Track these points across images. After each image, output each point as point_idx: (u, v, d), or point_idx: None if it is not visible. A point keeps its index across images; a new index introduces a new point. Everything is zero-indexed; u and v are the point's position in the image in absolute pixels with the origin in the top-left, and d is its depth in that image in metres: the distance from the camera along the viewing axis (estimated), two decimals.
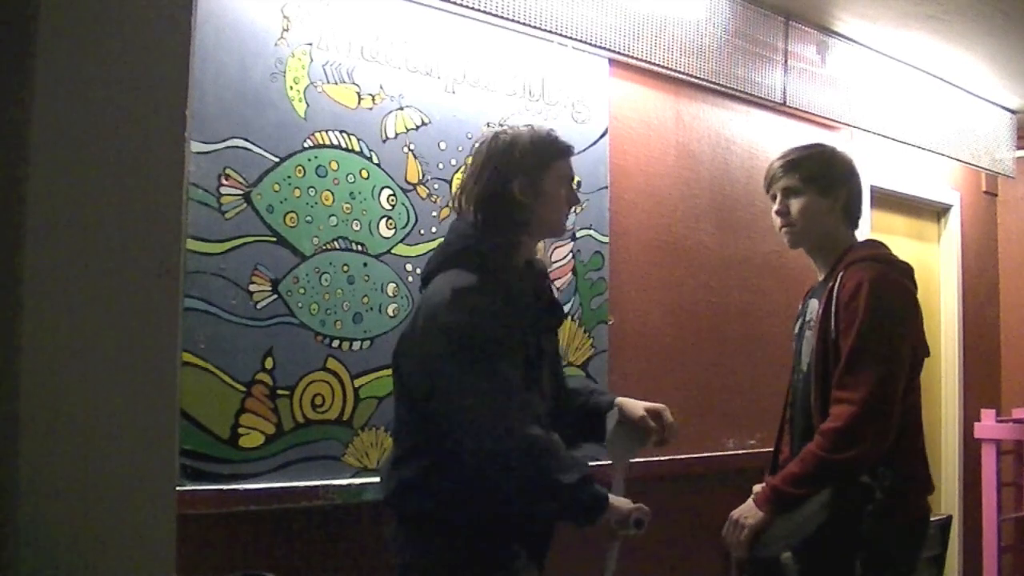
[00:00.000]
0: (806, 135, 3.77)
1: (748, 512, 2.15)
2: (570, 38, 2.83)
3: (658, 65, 3.10)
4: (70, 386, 1.00)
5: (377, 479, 2.14)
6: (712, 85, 3.30)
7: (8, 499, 0.96)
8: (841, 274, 2.20)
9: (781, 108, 3.58)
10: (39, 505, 0.97)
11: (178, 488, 1.43)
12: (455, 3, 2.56)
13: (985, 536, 4.16)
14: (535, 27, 2.73)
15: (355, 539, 2.40)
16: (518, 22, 2.68)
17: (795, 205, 2.28)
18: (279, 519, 2.27)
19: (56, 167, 1.00)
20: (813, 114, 3.68)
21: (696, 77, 3.22)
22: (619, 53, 2.97)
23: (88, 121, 1.02)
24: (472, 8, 2.59)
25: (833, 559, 2.07)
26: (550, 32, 2.77)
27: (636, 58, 3.02)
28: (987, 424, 4.36)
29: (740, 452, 3.39)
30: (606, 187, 3.02)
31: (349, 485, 2.35)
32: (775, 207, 2.32)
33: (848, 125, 3.83)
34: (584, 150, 2.92)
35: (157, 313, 1.07)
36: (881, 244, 2.38)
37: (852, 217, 2.34)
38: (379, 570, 2.43)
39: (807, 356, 2.26)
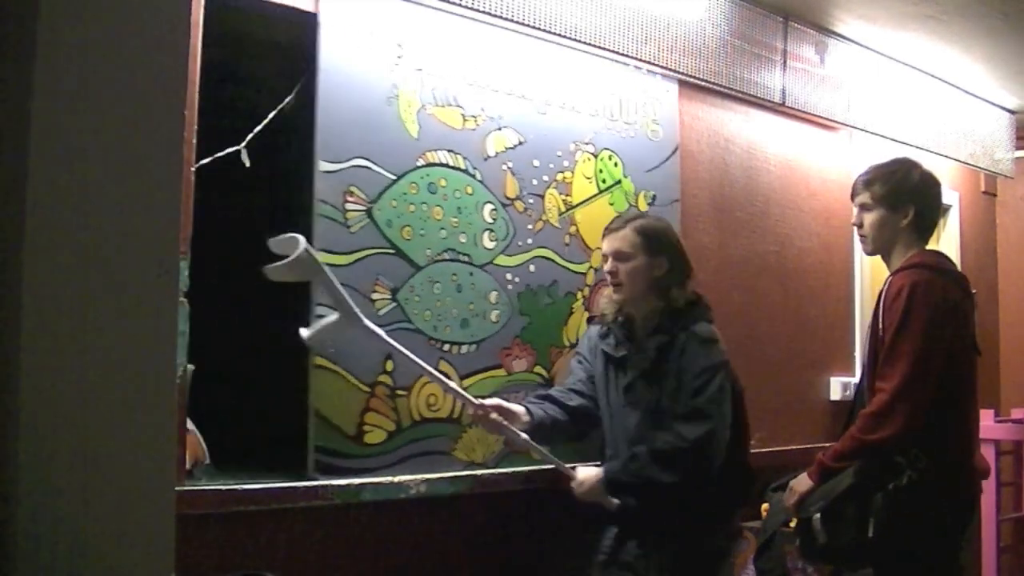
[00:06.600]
0: (805, 135, 3.78)
1: (800, 481, 2.54)
2: (569, 38, 2.83)
3: (657, 65, 3.10)
4: (70, 386, 1.00)
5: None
6: (711, 85, 3.30)
7: (8, 499, 0.96)
8: (890, 279, 2.54)
9: (780, 108, 3.58)
10: (39, 505, 0.97)
11: (178, 488, 1.43)
12: (505, 19, 2.67)
13: (984, 536, 4.16)
14: (532, 26, 2.73)
15: (355, 539, 2.41)
16: (514, 21, 2.68)
17: (867, 219, 2.63)
18: (279, 519, 2.26)
19: (56, 167, 1.00)
20: (812, 114, 3.68)
21: (695, 77, 3.22)
22: (618, 53, 2.97)
23: (88, 121, 1.02)
24: (470, 8, 2.59)
25: (852, 522, 2.39)
26: (549, 32, 2.77)
27: (635, 58, 3.02)
28: (986, 424, 4.33)
29: None
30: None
31: (348, 485, 2.36)
32: (853, 219, 2.71)
33: (847, 125, 3.83)
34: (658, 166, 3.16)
35: (157, 313, 1.07)
36: (937, 254, 2.70)
37: (921, 230, 2.62)
38: (379, 570, 2.44)
39: (864, 351, 2.68)
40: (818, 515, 2.44)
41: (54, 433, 0.98)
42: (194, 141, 2.12)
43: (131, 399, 1.04)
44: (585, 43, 2.87)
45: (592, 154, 2.96)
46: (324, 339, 2.26)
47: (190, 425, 2.20)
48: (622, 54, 2.98)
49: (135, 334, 1.05)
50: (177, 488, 1.23)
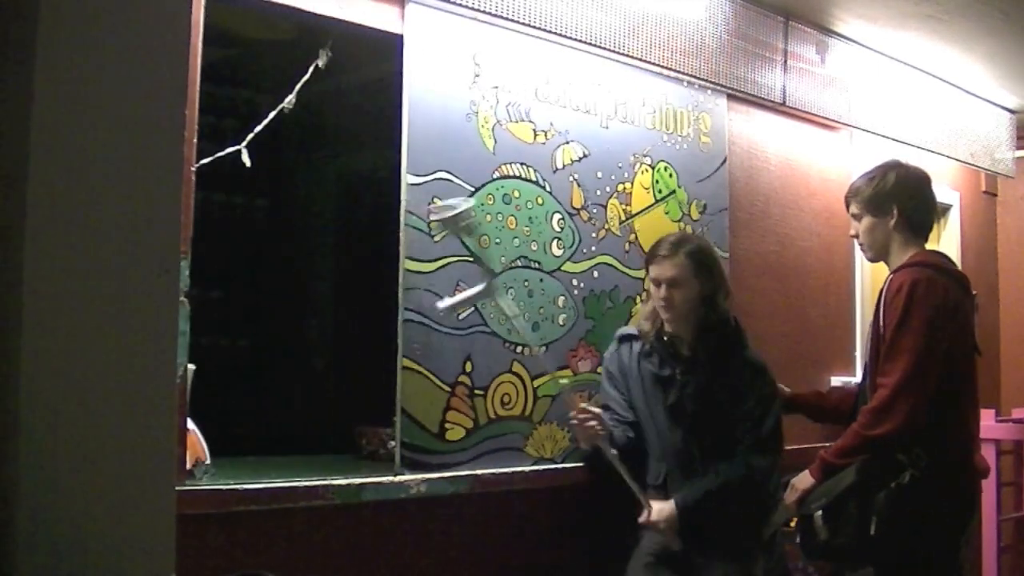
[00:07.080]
0: (805, 135, 3.77)
1: (802, 477, 2.56)
2: (569, 37, 2.83)
3: (658, 65, 3.10)
4: (70, 386, 1.00)
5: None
6: (712, 85, 3.30)
7: (8, 499, 0.96)
8: (890, 278, 2.56)
9: (781, 108, 3.58)
10: (39, 505, 0.97)
11: (178, 488, 1.43)
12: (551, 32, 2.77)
13: (984, 536, 4.16)
14: (531, 25, 2.72)
15: (355, 539, 2.40)
16: (513, 20, 2.68)
17: (860, 227, 2.69)
18: (279, 519, 2.26)
19: (56, 167, 1.00)
20: (813, 114, 3.68)
21: (696, 77, 3.22)
22: (618, 52, 2.97)
23: (88, 122, 1.02)
24: (470, 7, 2.59)
25: (853, 520, 2.41)
26: (549, 31, 2.77)
27: (635, 57, 3.02)
28: (986, 424, 4.33)
29: None
30: None
31: (348, 485, 2.36)
32: (850, 231, 2.78)
33: (848, 125, 3.83)
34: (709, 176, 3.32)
35: (157, 313, 1.07)
36: (938, 254, 2.75)
37: (913, 228, 2.64)
38: (379, 570, 2.44)
39: (865, 350, 2.70)
40: (820, 512, 2.45)
41: (54, 433, 0.98)
42: (195, 141, 2.12)
43: (131, 399, 1.04)
44: (585, 43, 2.87)
45: (649, 165, 3.11)
46: (459, 308, 2.48)
47: (190, 425, 2.20)
48: (622, 54, 2.98)
49: (135, 334, 1.05)
50: (177, 488, 1.23)
